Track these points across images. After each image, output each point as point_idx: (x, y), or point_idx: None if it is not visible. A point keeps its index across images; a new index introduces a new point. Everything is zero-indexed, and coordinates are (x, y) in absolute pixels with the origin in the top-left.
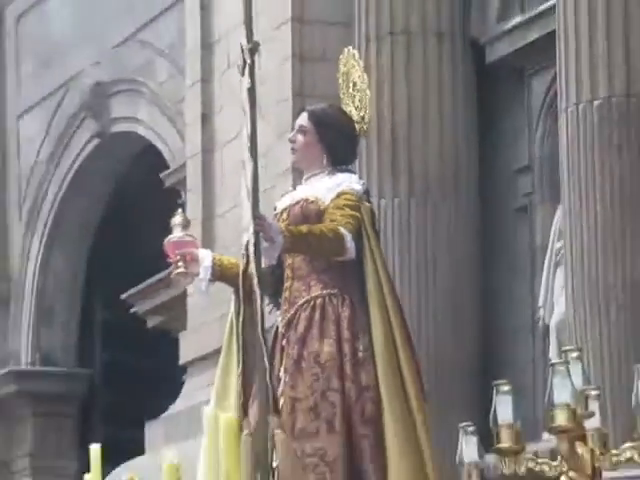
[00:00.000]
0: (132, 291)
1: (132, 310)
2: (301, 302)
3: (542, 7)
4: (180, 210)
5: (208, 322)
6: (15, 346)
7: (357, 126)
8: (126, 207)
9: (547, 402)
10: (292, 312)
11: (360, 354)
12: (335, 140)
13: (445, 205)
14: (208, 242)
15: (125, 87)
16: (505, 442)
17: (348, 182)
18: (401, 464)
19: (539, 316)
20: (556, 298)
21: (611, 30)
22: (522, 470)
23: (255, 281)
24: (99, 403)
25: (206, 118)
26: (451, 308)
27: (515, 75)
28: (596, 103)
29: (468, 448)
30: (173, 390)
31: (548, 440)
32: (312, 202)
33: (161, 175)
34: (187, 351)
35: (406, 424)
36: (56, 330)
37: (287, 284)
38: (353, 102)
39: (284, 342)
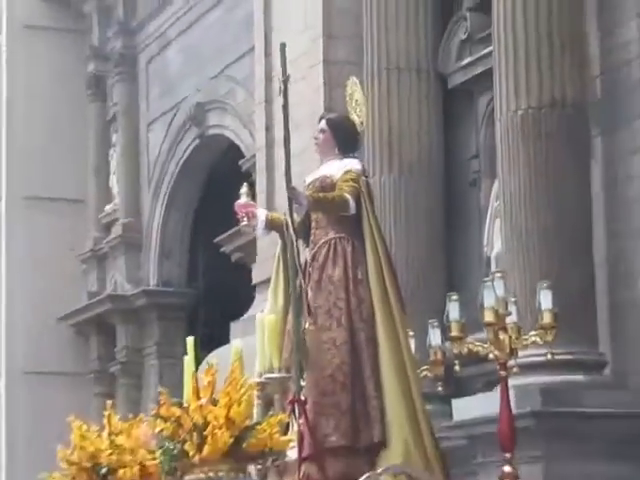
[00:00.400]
0: (222, 237)
1: (222, 249)
2: (321, 243)
3: (484, 51)
4: (246, 184)
5: (269, 257)
6: (145, 273)
7: (358, 128)
8: (218, 183)
9: (479, 306)
10: (315, 249)
11: (359, 277)
12: (343, 137)
13: (422, 181)
14: (270, 207)
15: (216, 105)
16: (454, 332)
17: (351, 164)
18: (385, 349)
19: (485, 251)
20: (495, 239)
21: (529, 66)
22: (465, 350)
23: (291, 230)
24: (201, 311)
25: (268, 125)
26: (425, 247)
27: (467, 95)
28: (519, 112)
29: (434, 337)
30: (248, 302)
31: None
32: (328, 177)
33: (240, 162)
34: (257, 276)
35: (390, 324)
36: (173, 263)
37: (313, 231)
38: (355, 112)
39: (310, 269)
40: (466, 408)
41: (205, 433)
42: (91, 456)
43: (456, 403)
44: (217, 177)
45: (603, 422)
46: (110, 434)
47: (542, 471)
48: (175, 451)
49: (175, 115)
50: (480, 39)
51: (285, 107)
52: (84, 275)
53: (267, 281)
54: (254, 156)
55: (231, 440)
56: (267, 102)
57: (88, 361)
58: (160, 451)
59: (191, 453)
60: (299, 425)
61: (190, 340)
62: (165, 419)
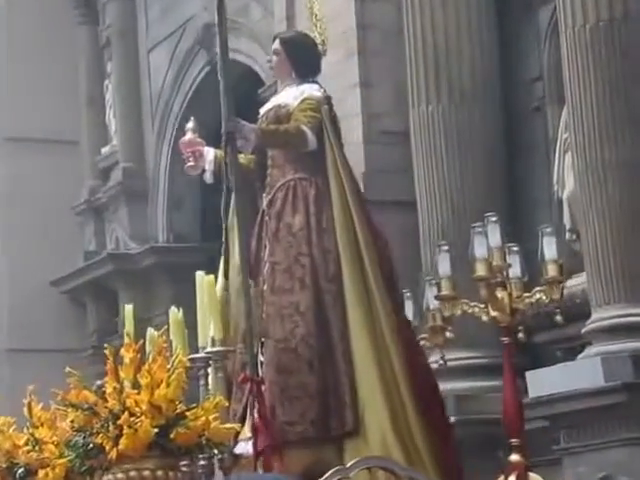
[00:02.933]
0: None
1: None
2: (278, 185)
3: None
4: (193, 118)
5: None
6: (153, 228)
7: (320, 47)
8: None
9: (470, 257)
10: (272, 194)
11: (324, 225)
12: (301, 59)
13: (477, 109)
14: None
15: (228, 26)
16: (445, 291)
17: (309, 90)
18: (355, 313)
19: (554, 191)
20: (566, 177)
21: None
22: (458, 312)
23: (229, 173)
24: None
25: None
26: (484, 186)
27: (526, 7)
28: (587, 26)
29: (432, 297)
30: None
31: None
32: (283, 107)
33: (259, 91)
34: None
35: (360, 280)
36: (185, 214)
37: (268, 171)
38: (316, 29)
39: (267, 217)
40: (543, 382)
41: (119, 422)
42: (6, 454)
43: (531, 376)
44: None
45: None
46: (31, 427)
47: None
48: (88, 446)
49: (180, 38)
50: None
51: (220, 23)
52: (79, 231)
53: None
54: (276, 83)
55: (154, 430)
56: (289, 19)
57: (85, 335)
58: (68, 447)
59: (107, 448)
60: (255, 411)
61: (128, 308)
62: (76, 407)
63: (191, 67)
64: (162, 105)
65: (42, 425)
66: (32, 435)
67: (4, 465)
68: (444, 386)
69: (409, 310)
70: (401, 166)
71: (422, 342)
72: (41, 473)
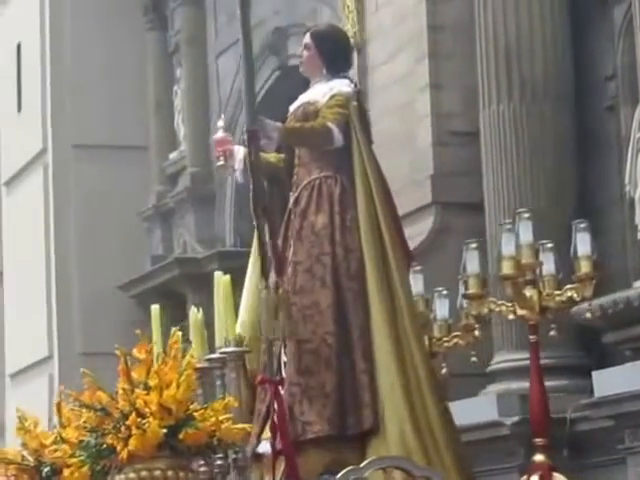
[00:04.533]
0: None
1: None
2: (304, 183)
3: None
4: (223, 116)
5: None
6: (220, 233)
7: (352, 40)
8: None
9: (497, 255)
10: (297, 192)
11: (347, 223)
12: (332, 54)
13: (548, 107)
14: None
15: (298, 30)
16: (472, 289)
17: (339, 86)
18: (378, 311)
19: (626, 191)
20: (638, 176)
21: None
22: (485, 311)
23: (249, 171)
24: None
25: (359, 49)
26: (555, 187)
27: (600, 4)
28: None
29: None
30: None
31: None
32: (312, 104)
33: None
34: None
35: (384, 278)
36: (251, 219)
37: (295, 170)
38: (348, 21)
39: (293, 216)
40: (610, 382)
41: (128, 423)
42: (33, 452)
43: (598, 376)
44: None
45: None
46: (60, 426)
47: None
48: (101, 446)
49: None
50: None
51: (244, 16)
52: (147, 236)
53: None
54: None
55: (163, 431)
56: (359, 21)
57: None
58: (80, 448)
59: (118, 448)
60: (273, 411)
61: (155, 309)
62: (89, 408)
63: (260, 72)
64: (230, 110)
65: (69, 425)
66: (59, 435)
67: (32, 464)
68: (509, 386)
69: (444, 308)
70: (468, 168)
71: (455, 340)
72: (66, 472)
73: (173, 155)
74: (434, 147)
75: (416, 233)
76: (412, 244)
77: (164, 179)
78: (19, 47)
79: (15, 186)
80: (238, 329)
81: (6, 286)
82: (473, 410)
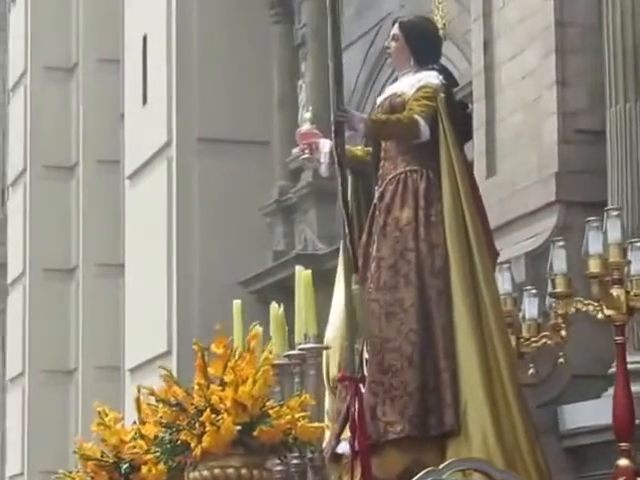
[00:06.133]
0: None
1: None
2: (389, 178)
3: None
4: (310, 108)
5: None
6: (341, 228)
7: (441, 32)
8: None
9: (583, 253)
10: (383, 187)
11: (432, 218)
12: (420, 44)
13: None
14: (490, 140)
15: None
16: (559, 288)
17: (427, 78)
18: (461, 308)
19: None
20: None
21: None
22: (572, 310)
23: (336, 165)
24: None
25: (487, 44)
26: None
27: None
28: None
29: None
30: None
31: None
32: (399, 96)
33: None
34: None
35: (468, 275)
36: None
37: (381, 164)
38: (438, 11)
39: (377, 212)
40: None
41: (202, 419)
42: (113, 449)
43: None
44: None
45: None
46: (140, 422)
47: None
48: (176, 442)
49: (375, 37)
50: None
51: (333, 8)
52: (268, 232)
53: None
54: (470, 83)
55: (237, 428)
56: (486, 15)
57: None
58: (155, 444)
59: (192, 445)
60: (353, 410)
61: (237, 304)
62: (165, 403)
63: (385, 67)
64: (354, 105)
65: (149, 422)
66: (138, 431)
67: (111, 460)
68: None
69: (533, 307)
70: (592, 166)
71: (544, 340)
72: (144, 469)
73: (296, 150)
74: (559, 145)
75: (539, 231)
76: (536, 242)
77: (287, 174)
78: (145, 39)
79: (139, 179)
80: (328, 332)
81: (128, 279)
82: (591, 413)
